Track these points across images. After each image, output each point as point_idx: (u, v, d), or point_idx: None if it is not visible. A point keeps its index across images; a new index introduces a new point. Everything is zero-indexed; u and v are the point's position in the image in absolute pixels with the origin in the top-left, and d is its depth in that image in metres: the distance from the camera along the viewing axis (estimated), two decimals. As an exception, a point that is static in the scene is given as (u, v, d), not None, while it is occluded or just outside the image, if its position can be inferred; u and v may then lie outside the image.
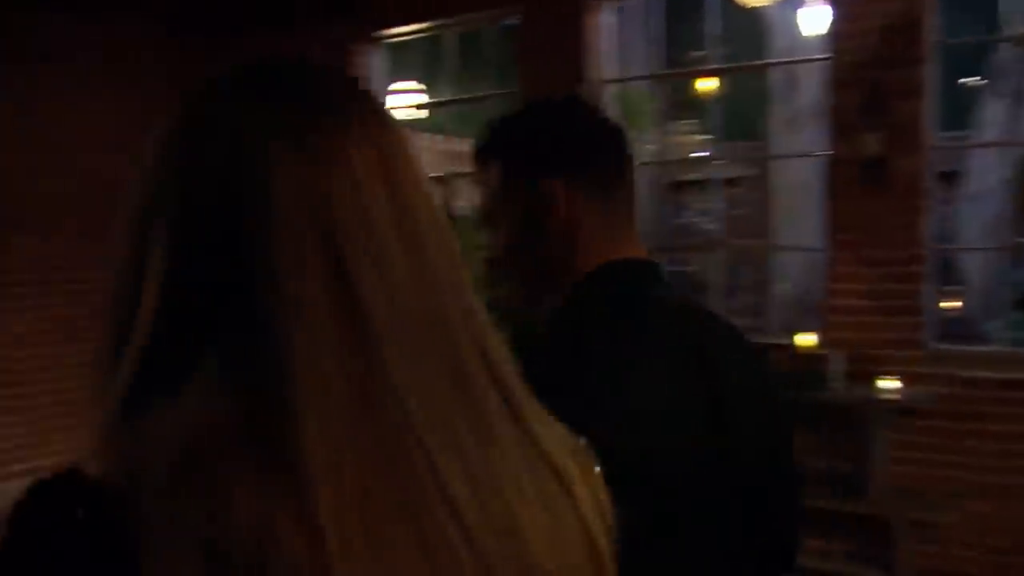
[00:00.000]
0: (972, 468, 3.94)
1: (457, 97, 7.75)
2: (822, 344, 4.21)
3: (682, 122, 10.08)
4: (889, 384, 3.85)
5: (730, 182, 10.31)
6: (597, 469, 0.70)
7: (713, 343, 1.11)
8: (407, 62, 7.24)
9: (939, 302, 4.96)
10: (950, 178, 7.75)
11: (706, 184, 10.20)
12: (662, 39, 8.32)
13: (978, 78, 8.58)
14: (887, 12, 4.19)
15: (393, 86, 6.47)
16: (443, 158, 8.00)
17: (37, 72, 5.69)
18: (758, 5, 6.19)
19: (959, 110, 7.68)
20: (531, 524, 0.62)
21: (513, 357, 0.66)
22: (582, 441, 0.70)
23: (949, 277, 6.97)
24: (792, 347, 4.20)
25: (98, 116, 5.92)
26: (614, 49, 5.30)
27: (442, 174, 6.14)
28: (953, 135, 7.52)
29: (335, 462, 0.55)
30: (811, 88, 6.45)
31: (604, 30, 5.20)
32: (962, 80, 8.93)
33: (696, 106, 9.31)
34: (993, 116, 7.83)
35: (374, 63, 6.02)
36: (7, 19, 5.36)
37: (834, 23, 4.47)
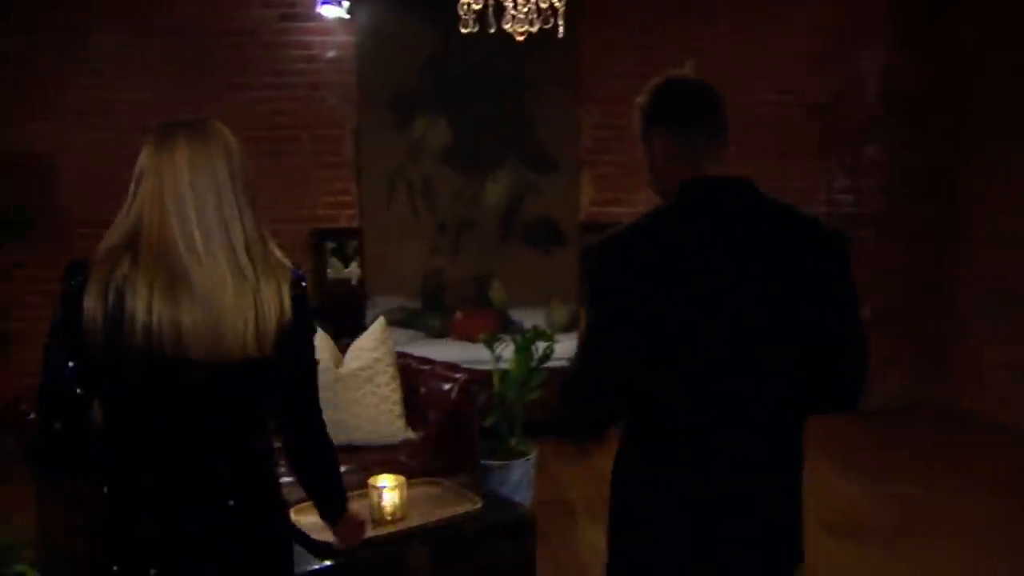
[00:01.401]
0: None
1: None
2: None
3: None
4: None
5: None
6: (301, 286, 1.65)
7: (744, 229, 1.61)
8: None
9: None
10: None
11: None
12: None
13: None
14: None
15: None
16: None
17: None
18: None
19: None
20: (231, 303, 1.54)
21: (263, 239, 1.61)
22: (297, 275, 1.65)
23: None
24: None
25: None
26: None
27: None
28: None
29: (152, 262, 1.51)
30: None
31: None
32: None
33: None
34: None
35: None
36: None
37: None
